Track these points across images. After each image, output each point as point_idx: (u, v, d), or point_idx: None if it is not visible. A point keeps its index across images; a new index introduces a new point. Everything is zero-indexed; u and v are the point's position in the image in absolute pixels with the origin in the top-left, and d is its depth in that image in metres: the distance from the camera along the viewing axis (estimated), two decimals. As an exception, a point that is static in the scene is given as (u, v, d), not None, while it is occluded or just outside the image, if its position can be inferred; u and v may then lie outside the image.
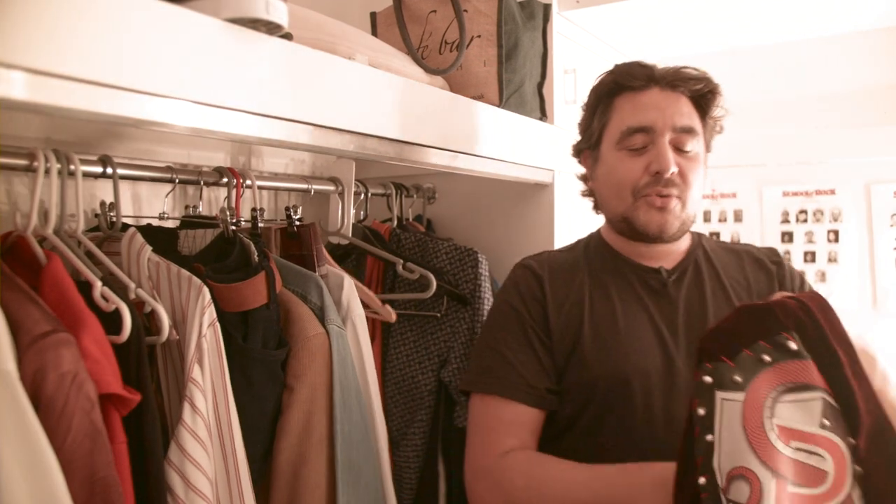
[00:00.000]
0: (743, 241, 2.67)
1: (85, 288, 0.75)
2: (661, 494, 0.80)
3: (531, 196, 1.50)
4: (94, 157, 0.92)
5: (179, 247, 1.03)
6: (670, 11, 1.57)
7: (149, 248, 0.86)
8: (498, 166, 1.26)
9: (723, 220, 2.78)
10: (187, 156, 1.25)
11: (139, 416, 0.73)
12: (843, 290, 2.56)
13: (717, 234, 2.72)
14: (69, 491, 0.61)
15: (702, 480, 0.68)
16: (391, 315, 1.21)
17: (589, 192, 1.17)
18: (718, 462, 0.67)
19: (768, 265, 1.10)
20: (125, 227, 0.93)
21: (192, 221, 1.06)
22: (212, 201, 1.29)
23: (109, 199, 0.96)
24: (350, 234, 1.31)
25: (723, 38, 1.80)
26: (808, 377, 0.67)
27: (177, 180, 1.03)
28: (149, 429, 0.74)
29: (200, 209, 1.14)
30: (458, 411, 1.32)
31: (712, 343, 0.72)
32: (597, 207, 1.15)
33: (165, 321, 0.80)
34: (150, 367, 0.79)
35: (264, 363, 0.88)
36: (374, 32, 1.36)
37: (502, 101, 1.26)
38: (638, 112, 1.03)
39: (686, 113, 1.03)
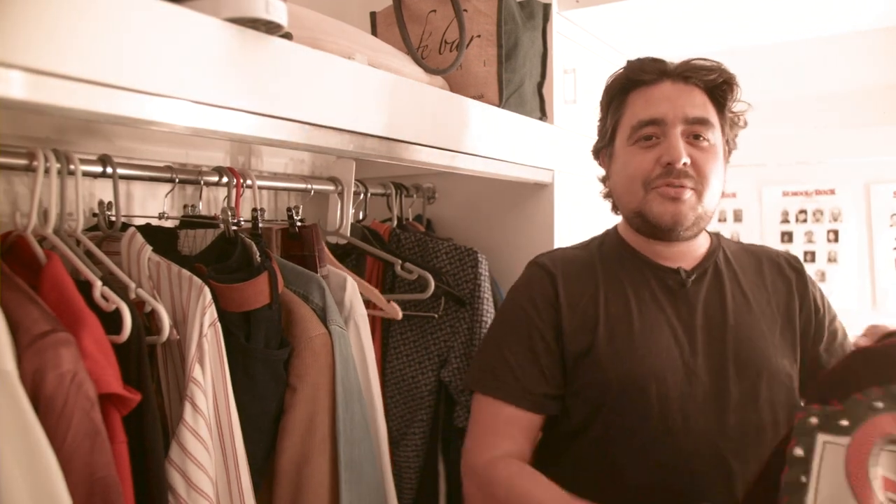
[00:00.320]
0: (743, 241, 2.67)
1: (85, 287, 0.75)
2: None
3: (531, 196, 1.50)
4: (94, 157, 0.92)
5: (179, 247, 1.03)
6: (670, 11, 1.57)
7: (149, 248, 0.86)
8: (498, 166, 1.26)
9: (723, 220, 2.79)
10: (185, 155, 1.25)
11: (139, 416, 0.73)
12: (842, 290, 2.56)
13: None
14: (69, 490, 0.61)
15: None
16: (397, 312, 1.21)
17: (608, 193, 1.14)
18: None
19: (787, 271, 1.08)
20: (124, 226, 0.93)
21: (191, 221, 1.06)
22: (211, 201, 1.29)
23: (107, 198, 0.96)
24: (349, 234, 1.31)
25: (722, 38, 1.80)
26: None
27: (177, 180, 1.03)
28: (149, 429, 0.74)
29: (199, 209, 1.14)
30: (458, 411, 1.32)
31: (824, 386, 0.71)
32: (615, 208, 1.13)
33: (166, 321, 0.80)
34: (150, 366, 0.79)
35: (267, 363, 0.89)
36: (374, 32, 1.36)
37: (502, 101, 1.26)
38: (649, 106, 1.01)
39: (699, 104, 1.01)
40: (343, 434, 0.92)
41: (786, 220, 2.70)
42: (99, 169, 0.92)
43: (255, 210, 1.07)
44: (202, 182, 1.07)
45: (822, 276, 2.61)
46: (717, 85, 1.02)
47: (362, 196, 1.39)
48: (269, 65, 0.76)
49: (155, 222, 1.10)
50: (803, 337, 1.05)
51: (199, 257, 0.97)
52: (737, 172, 2.67)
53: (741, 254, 1.10)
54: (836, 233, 2.61)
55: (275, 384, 0.90)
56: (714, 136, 1.01)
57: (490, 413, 1.02)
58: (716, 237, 1.11)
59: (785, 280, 1.07)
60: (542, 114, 1.41)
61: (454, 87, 1.25)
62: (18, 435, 0.59)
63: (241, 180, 1.10)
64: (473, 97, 1.23)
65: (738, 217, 2.79)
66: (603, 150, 1.13)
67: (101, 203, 0.96)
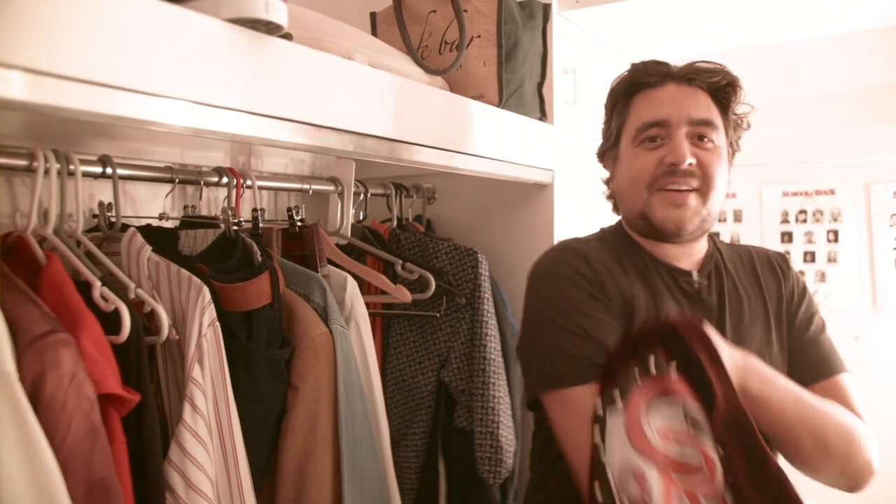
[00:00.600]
0: (742, 241, 2.67)
1: (84, 288, 0.75)
2: None
3: (531, 196, 1.50)
4: (94, 157, 0.92)
5: (180, 247, 1.03)
6: (670, 11, 1.57)
7: (149, 248, 0.86)
8: (497, 166, 1.26)
9: (723, 220, 2.79)
10: (181, 155, 1.25)
11: (139, 417, 0.73)
12: (842, 290, 2.56)
13: (717, 235, 2.73)
14: (68, 491, 0.61)
15: (599, 498, 0.76)
16: (406, 295, 1.22)
17: (610, 195, 1.14)
18: (612, 473, 0.76)
19: (777, 270, 1.09)
20: (125, 227, 0.93)
21: (192, 221, 1.06)
22: (211, 201, 1.29)
23: (106, 199, 0.96)
24: (349, 234, 1.31)
25: (722, 38, 1.80)
26: (673, 390, 0.77)
27: (177, 180, 1.03)
28: (148, 429, 0.74)
29: (200, 209, 1.14)
30: (458, 411, 1.32)
31: (605, 375, 0.84)
32: (616, 209, 1.13)
33: (165, 321, 0.80)
34: (149, 367, 0.79)
35: (268, 362, 0.89)
36: (374, 32, 1.36)
37: (502, 102, 1.26)
38: (653, 107, 1.01)
39: (703, 106, 1.01)
40: (345, 433, 0.92)
41: (786, 221, 2.70)
42: (99, 169, 0.92)
43: (255, 210, 1.07)
44: (202, 182, 1.07)
45: (822, 276, 2.61)
46: (720, 87, 1.03)
47: (362, 196, 1.39)
48: (269, 65, 0.76)
49: (155, 223, 1.10)
50: (789, 332, 1.06)
51: (200, 257, 0.97)
52: (737, 172, 2.66)
53: (734, 255, 1.11)
54: (836, 233, 2.61)
55: (276, 384, 0.90)
56: (718, 137, 1.02)
57: (581, 405, 0.87)
58: (711, 238, 1.12)
59: (776, 279, 1.08)
60: (542, 114, 1.41)
61: (454, 88, 1.25)
62: (18, 435, 0.59)
63: (242, 180, 1.10)
64: (473, 97, 1.23)
65: (738, 217, 2.79)
66: (607, 153, 1.12)
67: (101, 204, 0.96)
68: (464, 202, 1.60)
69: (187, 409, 0.77)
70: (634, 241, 1.07)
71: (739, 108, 1.05)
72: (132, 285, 0.80)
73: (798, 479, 0.79)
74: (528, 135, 1.34)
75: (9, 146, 0.81)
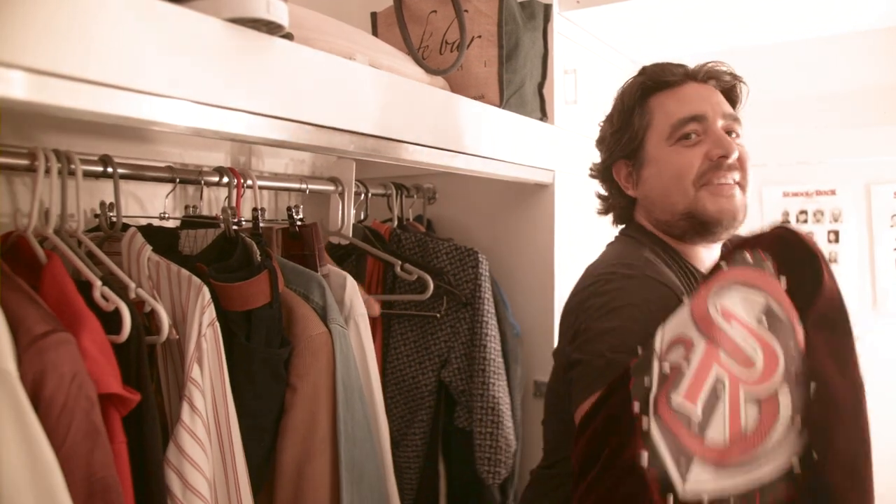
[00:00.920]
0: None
1: (85, 288, 0.75)
2: None
3: (531, 196, 1.50)
4: (95, 157, 0.92)
5: (181, 247, 1.03)
6: (670, 11, 1.57)
7: (149, 248, 0.86)
8: (498, 166, 1.26)
9: (723, 220, 2.78)
10: (180, 155, 1.25)
11: (139, 416, 0.73)
12: (842, 290, 2.56)
13: (717, 235, 2.73)
14: (68, 490, 0.61)
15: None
16: (375, 309, 1.22)
17: (608, 208, 1.10)
18: (660, 343, 0.70)
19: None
20: (125, 226, 0.93)
21: (192, 221, 1.06)
22: (211, 201, 1.29)
23: (107, 199, 0.96)
24: (350, 235, 1.31)
25: (722, 38, 1.80)
26: (760, 282, 0.71)
27: (178, 180, 1.03)
28: (148, 428, 0.74)
29: (201, 209, 1.14)
30: (459, 411, 1.32)
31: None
32: (618, 219, 1.09)
33: (165, 321, 0.80)
34: (150, 366, 0.79)
35: (267, 361, 0.89)
36: (375, 32, 1.36)
37: (503, 102, 1.26)
38: (684, 104, 1.00)
39: (725, 102, 1.02)
40: (344, 433, 0.92)
41: (786, 221, 2.70)
42: (100, 169, 0.92)
43: (255, 210, 1.07)
44: (203, 182, 1.07)
45: (823, 276, 2.61)
46: (731, 87, 1.04)
47: (363, 196, 1.39)
48: (270, 65, 0.76)
49: (156, 222, 1.10)
50: None
51: (200, 257, 0.97)
52: (737, 173, 2.68)
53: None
54: (836, 233, 2.61)
55: (275, 383, 0.90)
56: (742, 133, 1.02)
57: None
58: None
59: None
60: (543, 114, 1.41)
61: (455, 88, 1.25)
62: (19, 435, 0.59)
63: (242, 180, 1.10)
64: (474, 98, 1.23)
65: (738, 217, 2.79)
66: (621, 161, 1.06)
67: (102, 204, 0.96)
68: (464, 202, 1.60)
69: (185, 409, 0.77)
70: (671, 246, 1.03)
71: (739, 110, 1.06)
72: (132, 285, 0.81)
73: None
74: (528, 135, 1.34)
75: (9, 146, 0.81)
